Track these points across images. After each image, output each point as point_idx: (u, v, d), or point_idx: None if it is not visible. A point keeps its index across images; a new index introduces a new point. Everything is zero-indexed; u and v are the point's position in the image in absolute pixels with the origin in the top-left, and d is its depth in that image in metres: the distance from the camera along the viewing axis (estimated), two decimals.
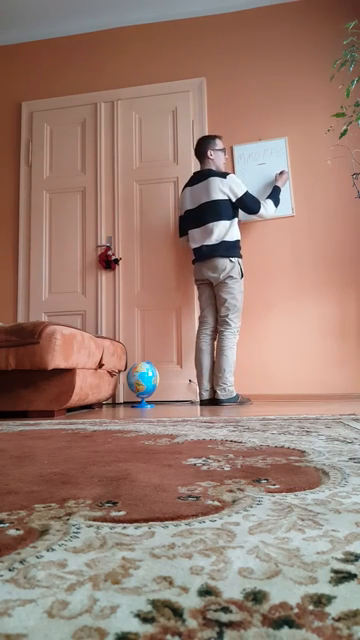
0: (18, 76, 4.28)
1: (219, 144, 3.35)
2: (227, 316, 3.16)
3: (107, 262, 3.79)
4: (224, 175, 3.21)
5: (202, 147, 3.33)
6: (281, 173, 3.53)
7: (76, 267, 3.93)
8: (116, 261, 3.80)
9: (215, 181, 3.19)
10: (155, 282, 3.78)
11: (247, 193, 3.21)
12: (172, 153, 3.89)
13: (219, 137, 3.37)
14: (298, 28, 3.86)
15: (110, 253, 3.82)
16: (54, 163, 4.07)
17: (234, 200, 3.19)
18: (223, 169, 3.34)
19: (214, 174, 3.22)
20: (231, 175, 3.22)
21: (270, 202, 3.29)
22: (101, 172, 3.96)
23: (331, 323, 3.54)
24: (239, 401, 3.14)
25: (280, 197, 3.40)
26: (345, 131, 3.10)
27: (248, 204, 3.20)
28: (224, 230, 3.17)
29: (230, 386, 3.11)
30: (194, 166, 3.70)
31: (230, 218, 3.20)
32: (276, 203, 3.33)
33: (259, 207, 3.23)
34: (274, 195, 3.35)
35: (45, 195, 4.05)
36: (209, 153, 3.31)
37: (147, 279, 3.80)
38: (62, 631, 0.33)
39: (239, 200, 3.19)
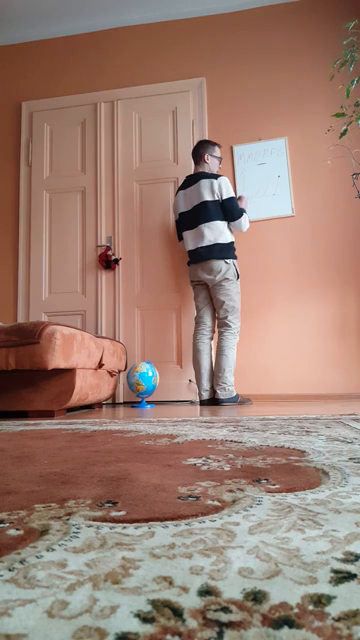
0: (18, 76, 4.28)
1: (217, 152, 3.36)
2: (226, 318, 3.16)
3: (107, 262, 3.79)
4: (215, 176, 3.21)
5: (200, 149, 3.33)
6: (239, 198, 3.51)
7: (76, 267, 3.93)
8: (116, 261, 3.80)
9: (206, 182, 3.19)
10: (155, 282, 3.78)
11: (232, 199, 3.21)
12: (172, 153, 3.89)
13: (219, 145, 3.38)
14: (298, 28, 3.86)
15: (110, 253, 3.82)
16: (54, 163, 4.07)
17: (220, 201, 3.19)
18: None
19: (205, 176, 3.22)
20: (223, 177, 3.22)
21: (246, 216, 3.29)
22: (101, 172, 3.97)
23: (331, 323, 3.54)
24: (239, 401, 3.14)
25: (247, 216, 3.38)
26: (345, 131, 3.10)
27: (230, 209, 3.19)
28: (217, 231, 3.17)
29: (230, 386, 3.11)
30: (194, 167, 3.70)
31: (222, 219, 3.19)
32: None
33: (240, 216, 3.22)
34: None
35: (45, 195, 4.05)
36: (206, 157, 3.31)
37: (147, 279, 3.80)
38: (62, 631, 0.33)
39: (223, 203, 3.18)
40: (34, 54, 4.28)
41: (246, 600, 0.37)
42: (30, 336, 2.41)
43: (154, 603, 0.36)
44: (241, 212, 3.23)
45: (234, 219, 3.22)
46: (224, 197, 3.19)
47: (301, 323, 3.58)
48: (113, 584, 0.40)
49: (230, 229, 3.25)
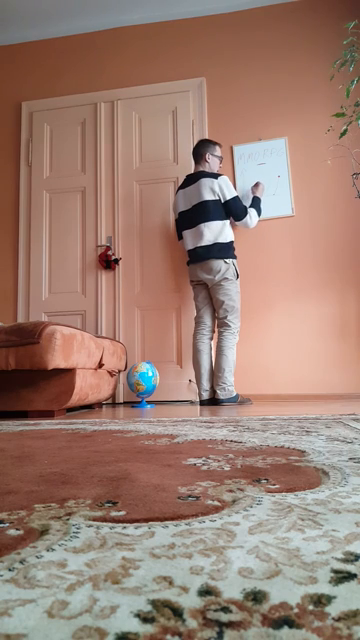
0: (18, 76, 4.28)
1: (218, 151, 3.37)
2: (226, 317, 3.16)
3: (107, 262, 3.79)
4: (215, 176, 3.21)
5: (201, 148, 3.34)
6: (256, 185, 3.54)
7: (76, 267, 3.93)
8: (116, 261, 3.80)
9: (206, 182, 3.20)
10: (155, 282, 3.78)
11: (236, 198, 3.21)
12: (172, 153, 3.89)
13: (219, 145, 3.39)
14: (298, 28, 3.86)
15: (110, 253, 3.82)
16: (54, 163, 4.07)
17: (223, 202, 3.19)
18: None
19: (206, 175, 3.22)
20: (223, 176, 3.22)
21: (254, 212, 3.30)
22: (101, 172, 3.97)
23: (331, 323, 3.54)
24: (239, 401, 3.14)
25: (261, 207, 3.41)
26: (345, 131, 3.10)
27: (234, 210, 3.20)
28: (217, 231, 3.17)
29: (230, 386, 3.11)
30: (194, 167, 3.70)
31: (222, 219, 3.19)
32: (259, 213, 3.35)
33: (245, 215, 3.23)
34: (255, 205, 3.36)
35: (45, 195, 4.05)
36: (207, 156, 3.31)
37: (147, 279, 3.80)
38: (62, 631, 0.33)
39: (226, 203, 3.19)
40: (34, 54, 4.29)
41: (246, 600, 0.37)
42: (30, 336, 2.41)
43: (154, 603, 0.36)
44: (245, 210, 3.24)
45: (239, 219, 3.23)
46: (227, 198, 3.19)
47: (301, 323, 3.58)
48: (113, 584, 0.40)
49: (231, 228, 3.25)
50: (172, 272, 3.76)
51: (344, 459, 0.95)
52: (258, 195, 3.45)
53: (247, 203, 3.40)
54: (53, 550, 0.48)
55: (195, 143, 3.47)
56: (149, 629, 0.33)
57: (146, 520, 0.57)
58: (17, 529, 0.55)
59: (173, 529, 0.54)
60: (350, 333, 3.52)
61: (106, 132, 4.00)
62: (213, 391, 3.17)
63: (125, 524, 0.56)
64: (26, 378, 2.55)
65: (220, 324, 3.20)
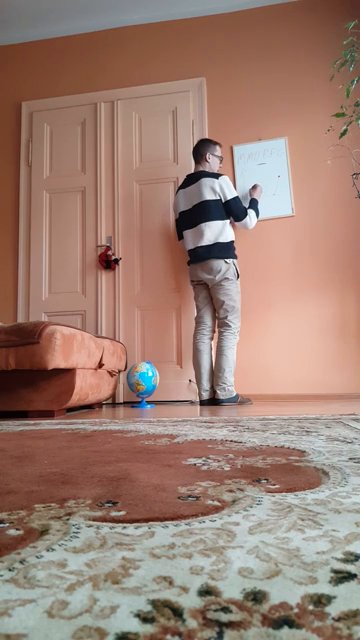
0: (18, 76, 4.28)
1: (218, 151, 3.37)
2: (226, 317, 3.16)
3: (107, 262, 3.79)
4: (216, 176, 3.22)
5: (201, 148, 3.34)
6: (254, 187, 3.55)
7: (76, 267, 3.93)
8: (116, 261, 3.80)
9: (207, 181, 3.20)
10: (155, 282, 3.78)
11: (236, 199, 3.22)
12: (172, 153, 3.89)
13: (219, 144, 3.39)
14: (298, 28, 3.86)
15: (110, 253, 3.82)
16: (54, 163, 4.07)
17: (223, 201, 3.20)
18: None
19: (206, 175, 3.23)
20: (224, 176, 3.23)
21: (253, 213, 3.32)
22: (101, 172, 3.97)
23: (331, 323, 3.54)
24: (239, 401, 3.14)
25: (259, 208, 3.43)
26: (345, 131, 3.10)
27: (234, 210, 3.21)
28: (217, 231, 3.17)
29: (230, 386, 3.11)
30: (194, 166, 3.70)
31: (223, 218, 3.20)
32: (257, 214, 3.37)
33: (245, 216, 3.24)
34: (254, 207, 3.37)
35: (45, 195, 4.05)
36: (207, 156, 3.32)
37: (147, 279, 3.80)
38: (62, 631, 0.33)
39: (227, 203, 3.19)
40: (34, 54, 4.28)
41: (246, 600, 0.37)
42: (30, 336, 2.41)
43: (154, 603, 0.36)
44: (245, 211, 3.25)
45: (239, 219, 3.24)
46: (228, 198, 3.19)
47: (301, 323, 3.58)
48: (113, 584, 0.40)
49: (231, 228, 3.26)
50: (172, 272, 3.76)
51: (344, 459, 0.95)
52: (256, 197, 3.46)
53: (245, 205, 3.41)
54: (53, 550, 0.48)
55: (195, 143, 3.47)
56: (149, 629, 0.33)
57: (146, 520, 0.57)
58: (17, 529, 0.55)
59: (173, 529, 0.54)
60: (350, 333, 3.52)
61: (106, 132, 4.00)
62: (213, 391, 3.17)
63: (125, 524, 0.56)
64: (26, 378, 2.55)
65: (220, 324, 3.20)
